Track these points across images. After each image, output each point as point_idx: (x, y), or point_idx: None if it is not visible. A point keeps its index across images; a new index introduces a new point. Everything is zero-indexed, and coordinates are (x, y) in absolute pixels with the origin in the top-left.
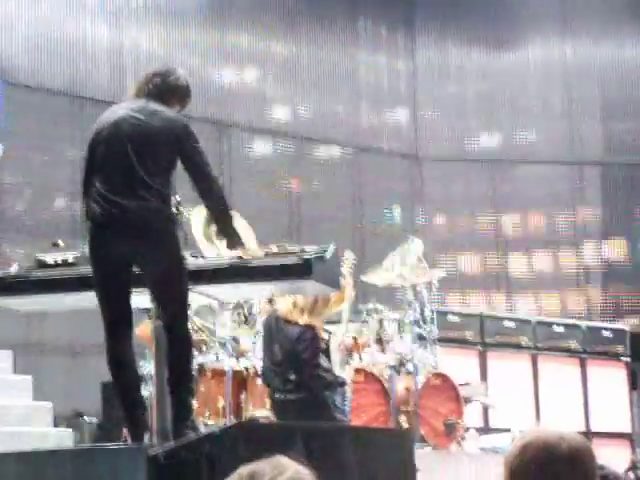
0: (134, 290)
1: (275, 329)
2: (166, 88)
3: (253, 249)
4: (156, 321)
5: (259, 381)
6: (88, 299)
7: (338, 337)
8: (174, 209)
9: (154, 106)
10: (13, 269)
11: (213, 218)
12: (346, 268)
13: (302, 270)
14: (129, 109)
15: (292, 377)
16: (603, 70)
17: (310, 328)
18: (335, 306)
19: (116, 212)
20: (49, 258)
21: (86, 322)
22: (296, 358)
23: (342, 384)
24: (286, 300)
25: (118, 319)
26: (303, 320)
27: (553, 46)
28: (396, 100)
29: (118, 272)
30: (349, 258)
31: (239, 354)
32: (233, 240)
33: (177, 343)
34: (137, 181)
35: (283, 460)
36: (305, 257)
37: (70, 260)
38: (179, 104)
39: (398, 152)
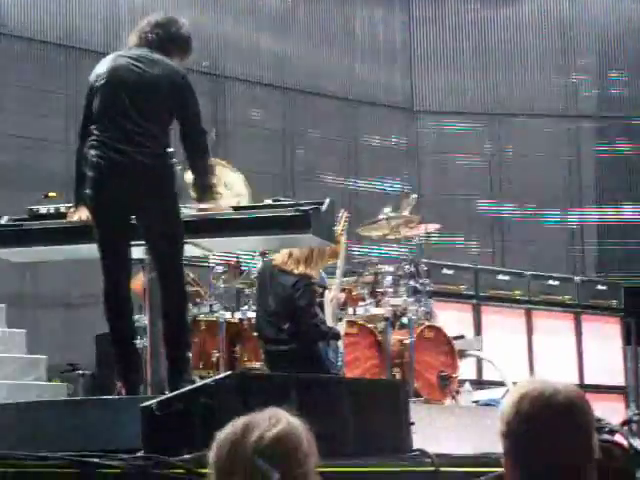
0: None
1: (269, 279)
2: (167, 37)
3: (221, 203)
4: (151, 273)
5: (253, 333)
6: (82, 250)
7: (332, 291)
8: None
9: (154, 55)
10: (4, 220)
11: (193, 169)
12: (340, 224)
13: (300, 223)
14: (129, 57)
15: (286, 326)
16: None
17: (306, 277)
18: (330, 259)
19: (115, 157)
20: (42, 208)
21: (80, 274)
22: (292, 306)
23: (337, 336)
24: (281, 251)
25: (117, 264)
26: (299, 270)
27: None
28: (391, 54)
29: (118, 218)
30: (343, 214)
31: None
32: (207, 193)
33: (172, 295)
34: (135, 128)
35: (277, 412)
36: (303, 209)
37: (63, 210)
38: (180, 55)
39: (393, 105)
